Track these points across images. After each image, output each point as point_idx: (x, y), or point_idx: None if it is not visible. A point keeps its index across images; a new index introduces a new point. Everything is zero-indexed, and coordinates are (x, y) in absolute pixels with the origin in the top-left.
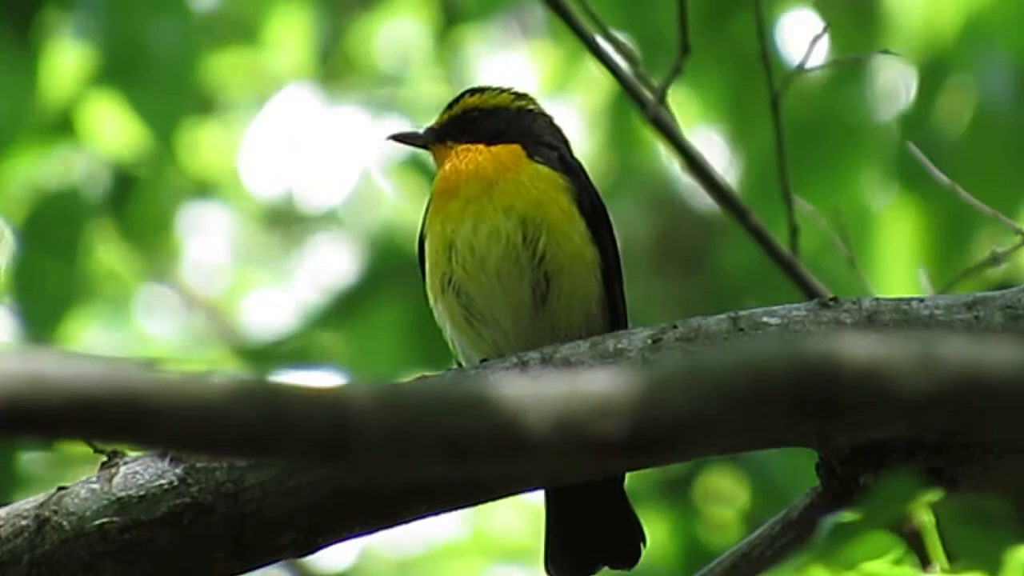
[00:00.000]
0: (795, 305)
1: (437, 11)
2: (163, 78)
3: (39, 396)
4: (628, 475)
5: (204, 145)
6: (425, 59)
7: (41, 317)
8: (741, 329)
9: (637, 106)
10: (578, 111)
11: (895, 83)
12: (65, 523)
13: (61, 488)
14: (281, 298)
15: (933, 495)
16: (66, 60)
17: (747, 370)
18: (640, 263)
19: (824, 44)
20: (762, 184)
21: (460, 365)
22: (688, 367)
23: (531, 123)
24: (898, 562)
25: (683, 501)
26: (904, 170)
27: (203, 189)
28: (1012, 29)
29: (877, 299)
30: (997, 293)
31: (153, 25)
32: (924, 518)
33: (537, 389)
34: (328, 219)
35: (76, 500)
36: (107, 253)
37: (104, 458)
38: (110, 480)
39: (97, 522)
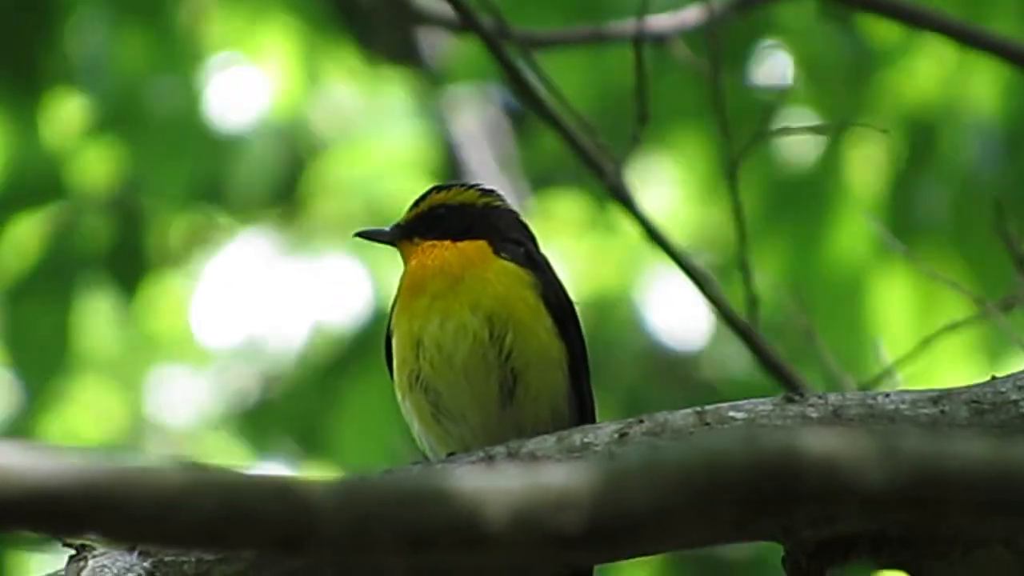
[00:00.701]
0: (761, 399)
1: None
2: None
3: None
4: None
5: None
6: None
7: (35, 374)
8: (707, 423)
9: (596, 175)
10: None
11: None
12: None
13: None
14: None
15: None
16: (63, 113)
17: (705, 462)
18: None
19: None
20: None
21: (427, 459)
22: (646, 460)
23: (497, 219)
24: None
25: None
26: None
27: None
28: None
29: (842, 394)
30: (963, 387)
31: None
32: None
33: (496, 482)
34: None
35: None
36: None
37: (72, 551)
38: (78, 574)
39: None
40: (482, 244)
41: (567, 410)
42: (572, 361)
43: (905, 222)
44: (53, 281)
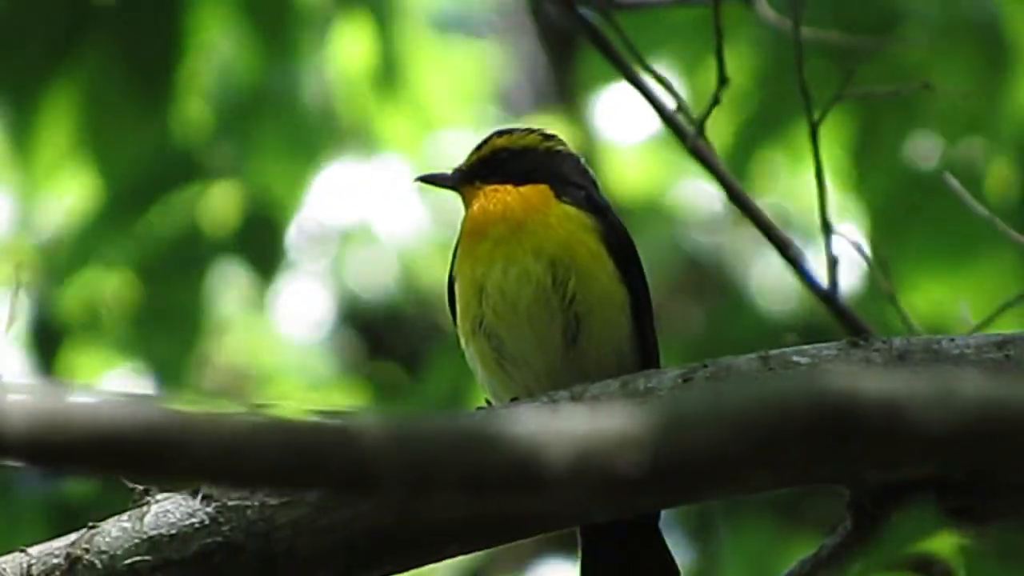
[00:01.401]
0: (825, 344)
1: None
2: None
3: (60, 431)
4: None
5: None
6: None
7: (167, 361)
8: (771, 368)
9: (677, 138)
10: None
11: None
12: (97, 562)
13: (92, 526)
14: None
15: (958, 530)
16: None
17: (767, 405)
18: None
19: None
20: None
21: (490, 404)
22: (707, 403)
23: (559, 164)
24: None
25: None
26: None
27: None
28: None
29: (907, 338)
30: None
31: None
32: (951, 561)
33: (556, 425)
34: None
35: (107, 539)
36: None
37: (136, 495)
38: (141, 519)
39: (128, 561)
40: (544, 188)
41: (630, 354)
42: (635, 305)
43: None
44: (187, 262)
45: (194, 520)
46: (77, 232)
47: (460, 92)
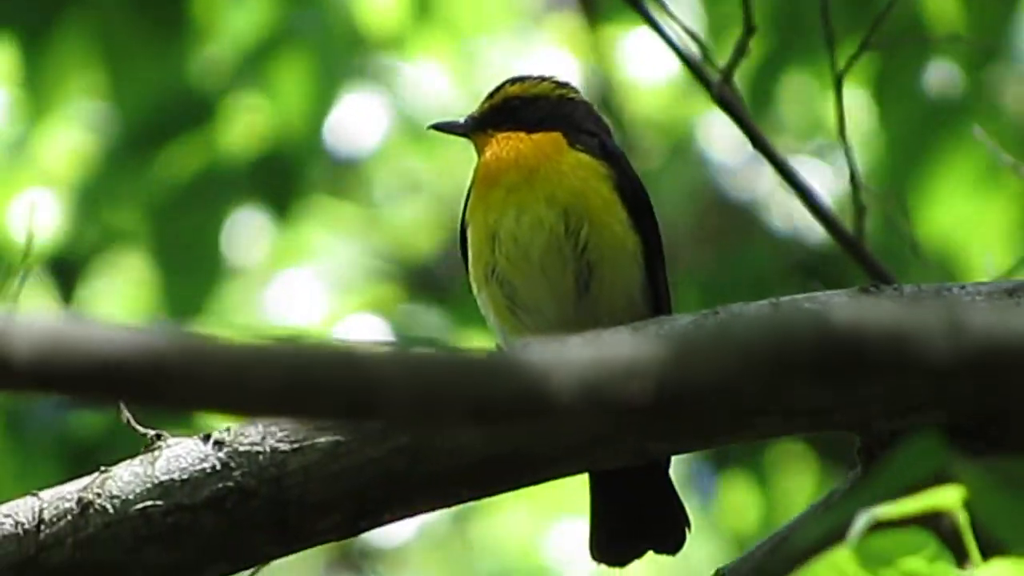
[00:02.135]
0: (836, 291)
1: None
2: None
3: (65, 354)
4: None
5: None
6: None
7: (186, 298)
8: None
9: (703, 85)
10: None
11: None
12: (108, 506)
13: (104, 470)
14: None
15: (964, 459)
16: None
17: (772, 333)
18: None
19: None
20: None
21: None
22: (714, 334)
23: (572, 111)
24: (933, 559)
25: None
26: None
27: None
28: None
29: (918, 285)
30: None
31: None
32: (960, 516)
33: (563, 354)
34: None
35: (119, 483)
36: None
37: (147, 440)
38: (153, 463)
39: (140, 505)
40: (557, 136)
41: (642, 302)
42: (647, 253)
43: None
44: (204, 198)
45: (205, 465)
46: (94, 170)
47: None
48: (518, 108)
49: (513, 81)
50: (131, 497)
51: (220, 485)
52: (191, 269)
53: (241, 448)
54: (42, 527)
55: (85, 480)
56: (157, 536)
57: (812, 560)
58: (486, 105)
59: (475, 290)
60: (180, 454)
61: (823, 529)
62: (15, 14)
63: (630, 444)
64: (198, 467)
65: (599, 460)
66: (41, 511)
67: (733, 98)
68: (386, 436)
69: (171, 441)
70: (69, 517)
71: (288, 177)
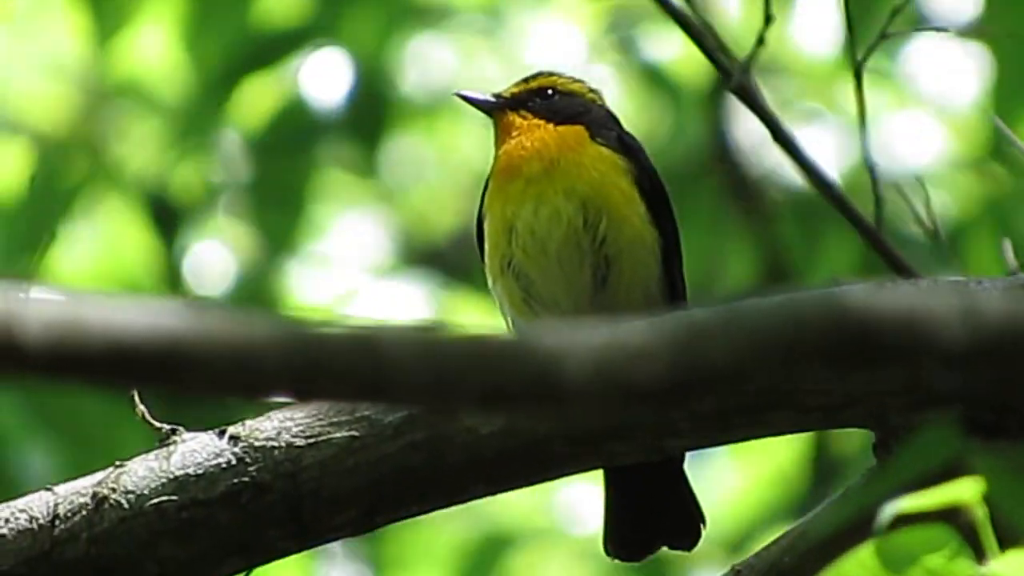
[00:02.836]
0: (852, 287)
1: None
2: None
3: (78, 341)
4: None
5: None
6: None
7: (276, 228)
8: None
9: (721, 76)
10: None
11: None
12: (123, 501)
13: (119, 465)
14: None
15: (981, 447)
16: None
17: (785, 317)
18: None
19: None
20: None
21: None
22: (725, 316)
23: (596, 112)
24: (953, 556)
25: None
26: None
27: None
28: None
29: (935, 279)
30: None
31: None
32: (978, 511)
33: (575, 338)
34: None
35: (134, 478)
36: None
37: (162, 434)
38: (168, 458)
39: (155, 500)
40: (579, 129)
41: (659, 296)
42: (665, 248)
43: None
44: (293, 138)
45: (221, 460)
46: (180, 108)
47: None
48: (550, 98)
49: (551, 73)
50: (146, 492)
51: (235, 480)
52: (283, 202)
53: (256, 443)
54: (57, 522)
55: (100, 475)
56: (172, 531)
57: (831, 555)
58: (519, 87)
59: (490, 282)
60: (195, 449)
61: (839, 522)
62: None
63: (645, 440)
64: (213, 462)
65: (614, 456)
66: (56, 506)
67: (751, 89)
68: (401, 431)
69: (186, 436)
70: (84, 512)
71: (375, 119)
